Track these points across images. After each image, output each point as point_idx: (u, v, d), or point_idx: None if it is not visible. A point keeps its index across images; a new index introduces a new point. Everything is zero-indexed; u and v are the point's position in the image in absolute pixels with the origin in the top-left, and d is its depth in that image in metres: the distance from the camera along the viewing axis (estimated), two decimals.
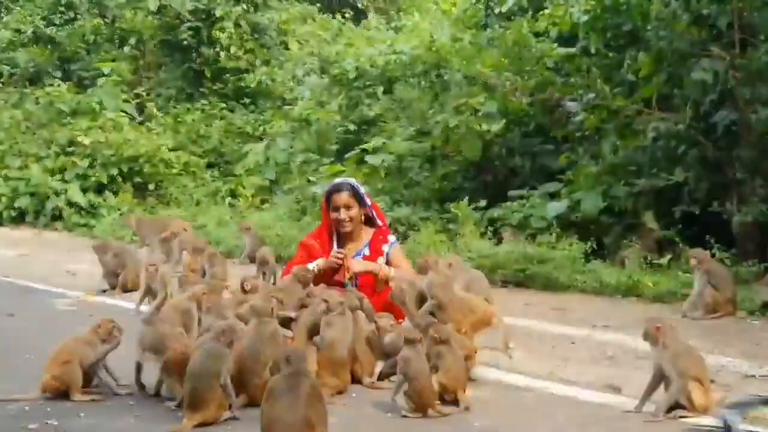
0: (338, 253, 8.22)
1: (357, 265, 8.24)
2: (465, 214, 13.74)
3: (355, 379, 7.27)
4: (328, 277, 8.24)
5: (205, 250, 12.41)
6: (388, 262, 8.45)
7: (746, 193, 11.74)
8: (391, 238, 8.71)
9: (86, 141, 20.24)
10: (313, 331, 7.19)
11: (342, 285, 8.13)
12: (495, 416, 6.59)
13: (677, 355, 6.49)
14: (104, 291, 12.34)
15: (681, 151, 12.43)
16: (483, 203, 14.16)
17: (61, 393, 6.84)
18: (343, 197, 8.40)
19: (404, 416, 6.45)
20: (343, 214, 8.38)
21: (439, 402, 6.56)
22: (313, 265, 8.17)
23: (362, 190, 8.58)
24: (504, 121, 15.18)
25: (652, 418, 6.41)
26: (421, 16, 27.75)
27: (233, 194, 19.82)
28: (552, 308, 10.61)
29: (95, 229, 18.82)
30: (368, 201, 8.59)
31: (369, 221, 8.61)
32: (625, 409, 6.67)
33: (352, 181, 8.72)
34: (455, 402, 6.66)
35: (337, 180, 9.10)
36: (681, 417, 6.39)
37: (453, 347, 6.81)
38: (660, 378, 6.59)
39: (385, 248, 8.54)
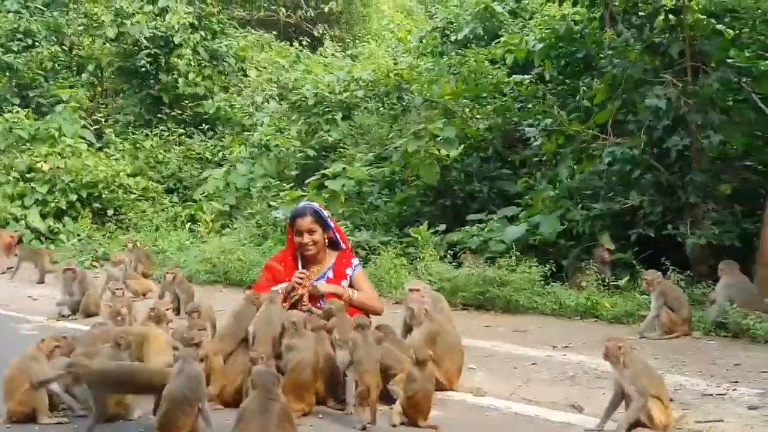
0: (300, 273, 8.28)
1: (322, 287, 8.29)
2: (424, 238, 13.87)
3: (320, 401, 7.33)
4: (289, 298, 8.30)
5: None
6: (351, 285, 8.51)
7: (699, 216, 11.99)
8: (355, 261, 8.77)
9: (45, 167, 20.20)
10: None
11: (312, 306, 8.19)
12: None
13: (637, 374, 6.63)
14: (66, 316, 12.36)
15: (636, 176, 12.67)
16: (442, 227, 14.29)
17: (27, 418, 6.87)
18: (307, 222, 8.45)
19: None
20: (306, 239, 8.43)
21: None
22: (279, 288, 8.24)
23: (325, 214, 8.64)
24: (462, 146, 15.35)
25: None
26: (376, 44, 28.01)
27: (193, 219, 19.82)
28: (513, 330, 10.76)
29: (55, 255, 18.72)
30: (331, 224, 8.65)
31: (333, 244, 8.67)
32: (587, 428, 6.78)
33: (315, 205, 8.77)
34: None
35: (301, 204, 9.16)
36: None
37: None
38: (621, 396, 6.72)
39: (349, 271, 8.59)
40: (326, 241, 8.55)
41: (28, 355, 7.13)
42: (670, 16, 12.52)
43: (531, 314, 11.62)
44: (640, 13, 13.19)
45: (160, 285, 12.76)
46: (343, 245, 8.70)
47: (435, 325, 8.04)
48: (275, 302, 7.72)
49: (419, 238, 13.93)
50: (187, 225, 19.54)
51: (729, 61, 12.59)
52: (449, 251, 13.54)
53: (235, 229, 17.65)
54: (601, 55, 13.82)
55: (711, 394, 7.70)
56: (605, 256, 12.21)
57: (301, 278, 8.17)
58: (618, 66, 12.67)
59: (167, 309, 8.89)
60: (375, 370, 6.81)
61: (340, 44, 30.41)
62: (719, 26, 13.01)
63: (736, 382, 8.06)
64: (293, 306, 8.14)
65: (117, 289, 11.16)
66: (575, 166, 13.74)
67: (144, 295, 13.46)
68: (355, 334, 7.02)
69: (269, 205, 17.74)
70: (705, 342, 9.78)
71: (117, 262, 13.91)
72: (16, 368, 7.02)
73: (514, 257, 12.42)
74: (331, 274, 8.49)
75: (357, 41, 31.14)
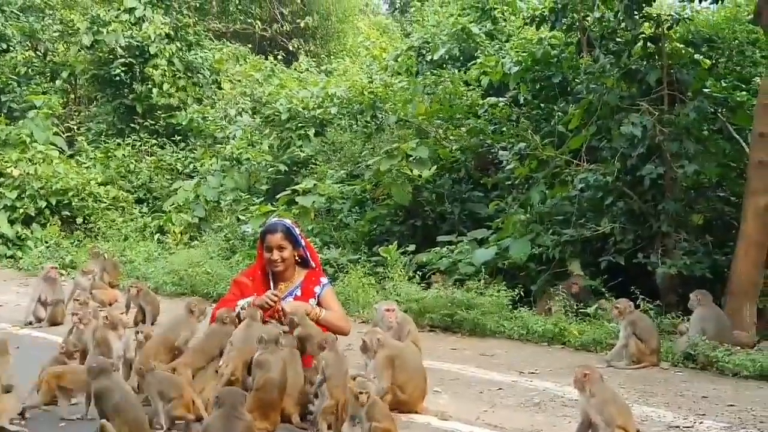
0: (273, 294, 8.21)
1: (289, 305, 8.22)
2: (393, 257, 13.81)
3: (285, 419, 7.26)
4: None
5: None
6: (319, 304, 8.44)
7: (670, 245, 12.01)
8: (324, 279, 8.69)
9: (15, 172, 19.99)
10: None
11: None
12: None
13: (604, 402, 6.58)
14: (30, 323, 12.22)
15: (608, 203, 12.69)
16: (412, 248, 14.25)
17: None
18: (277, 238, 8.38)
19: None
20: (275, 255, 8.36)
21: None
22: (243, 302, 8.17)
23: (297, 231, 8.55)
24: (435, 167, 15.32)
25: None
26: (351, 61, 28.00)
27: (162, 230, 19.70)
28: (479, 354, 10.70)
29: (21, 261, 18.61)
30: (302, 242, 8.56)
31: (302, 262, 8.60)
32: None
33: (287, 222, 8.68)
34: None
35: (273, 220, 9.12)
36: None
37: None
38: (587, 425, 6.67)
39: (317, 290, 8.52)
40: (296, 258, 8.49)
41: None
42: (649, 44, 12.54)
43: (498, 338, 11.55)
44: (618, 40, 13.23)
45: (126, 298, 12.64)
46: (313, 264, 8.63)
47: (392, 350, 7.98)
48: (256, 319, 7.68)
49: (388, 258, 13.86)
50: (156, 236, 19.41)
51: (705, 90, 12.65)
52: (418, 272, 13.48)
53: (204, 242, 17.56)
54: (577, 81, 13.84)
55: (678, 427, 7.69)
56: (574, 288, 12.16)
57: (274, 300, 8.08)
58: (594, 92, 12.69)
59: (122, 313, 8.96)
60: (344, 385, 6.77)
61: (314, 59, 30.38)
62: (697, 56, 13.07)
63: (704, 414, 8.05)
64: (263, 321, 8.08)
65: (81, 299, 11.09)
66: (547, 191, 13.72)
67: (110, 304, 13.32)
68: (326, 353, 6.97)
69: (238, 219, 17.66)
70: (673, 373, 9.74)
71: (87, 272, 13.77)
72: None
73: (482, 280, 12.38)
74: (299, 292, 8.42)
75: (332, 57, 31.13)
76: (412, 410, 7.90)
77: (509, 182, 14.76)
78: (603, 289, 11.77)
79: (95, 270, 14.16)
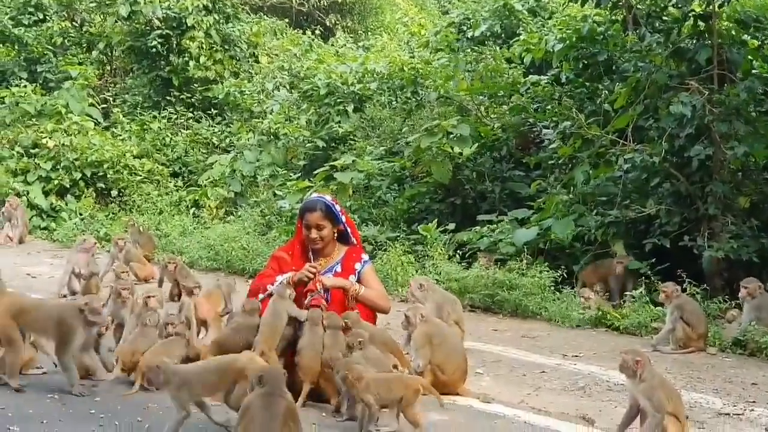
0: (312, 266, 8.06)
1: (328, 280, 8.08)
2: (433, 236, 13.62)
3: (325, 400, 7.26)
4: (298, 290, 8.09)
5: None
6: (359, 281, 8.29)
7: (717, 228, 11.74)
8: (364, 256, 8.54)
9: (50, 144, 19.89)
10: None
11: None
12: None
13: (654, 388, 6.41)
14: (64, 296, 12.12)
15: (654, 184, 12.44)
16: (451, 226, 14.03)
17: None
18: (315, 217, 8.21)
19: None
20: (314, 234, 8.21)
21: None
22: (282, 278, 8.03)
23: (337, 208, 8.39)
24: (476, 144, 15.08)
25: None
26: (389, 37, 27.80)
27: (197, 205, 19.57)
28: (521, 335, 10.54)
29: (56, 233, 18.54)
30: (342, 218, 8.41)
31: (343, 238, 8.46)
32: None
33: (327, 198, 8.51)
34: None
35: (313, 196, 8.95)
36: None
37: None
38: (636, 411, 6.53)
39: (358, 266, 8.37)
40: (336, 234, 8.34)
41: None
42: (699, 22, 12.24)
43: (540, 320, 11.38)
44: (665, 18, 12.94)
45: (160, 273, 12.53)
46: (353, 240, 8.49)
47: (431, 328, 7.95)
48: (284, 297, 7.63)
49: (428, 236, 13.67)
50: (191, 210, 19.27)
51: (753, 72, 12.39)
52: (458, 251, 13.28)
53: (239, 217, 17.43)
54: (623, 59, 13.54)
55: (727, 414, 7.55)
56: (619, 269, 11.93)
57: (313, 272, 7.94)
58: (642, 70, 12.39)
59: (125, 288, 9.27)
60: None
61: (351, 36, 30.16)
62: (745, 36, 12.79)
63: (754, 402, 7.90)
64: (302, 295, 7.94)
65: (122, 272, 11.07)
66: (591, 171, 13.44)
67: (146, 280, 13.23)
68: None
69: (275, 194, 17.48)
70: (721, 359, 9.54)
71: (119, 243, 13.69)
72: None
73: (524, 260, 12.17)
74: (339, 269, 8.29)
75: (369, 33, 30.90)
76: (453, 392, 7.83)
77: (552, 161, 14.51)
78: (649, 273, 11.51)
79: (127, 239, 14.10)
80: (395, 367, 7.50)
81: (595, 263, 12.50)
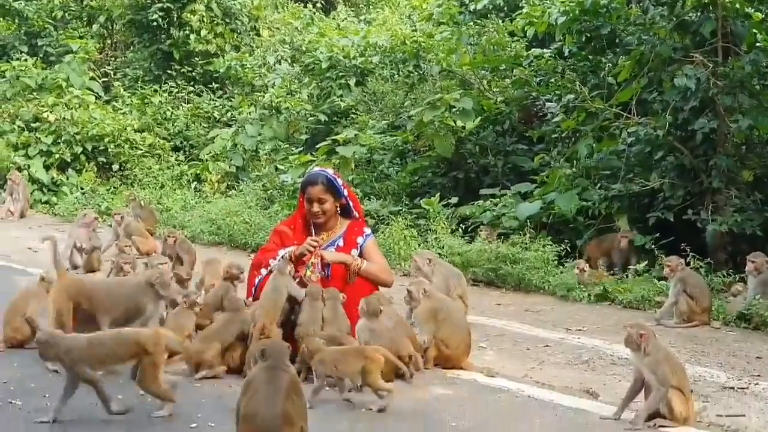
0: (313, 240, 8.03)
1: (330, 255, 8.05)
2: (435, 210, 13.59)
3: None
4: (299, 264, 8.06)
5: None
6: (361, 255, 8.26)
7: (721, 202, 11.70)
8: (367, 230, 8.51)
9: (51, 117, 19.85)
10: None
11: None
12: (471, 417, 6.51)
13: (658, 362, 6.40)
14: (66, 270, 12.07)
15: (658, 157, 12.37)
16: (454, 200, 14.01)
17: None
18: (317, 190, 8.17)
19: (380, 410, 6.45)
20: (316, 208, 8.17)
21: None
22: (284, 252, 8.01)
23: (339, 181, 8.35)
24: (479, 118, 15.03)
25: (631, 426, 6.34)
26: (390, 11, 27.65)
27: (198, 179, 19.54)
28: (524, 309, 10.52)
29: (57, 207, 18.52)
30: (344, 192, 8.37)
31: (345, 212, 8.42)
32: (603, 416, 6.58)
33: (329, 172, 8.46)
34: None
35: (315, 170, 8.89)
36: (661, 426, 6.31)
37: None
38: (640, 385, 6.51)
39: (360, 240, 8.34)
40: (338, 208, 8.30)
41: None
42: None
43: (543, 294, 11.33)
44: None
45: (162, 247, 12.51)
46: (356, 214, 8.46)
47: (435, 303, 7.94)
48: (284, 273, 7.61)
49: (430, 210, 13.64)
50: (193, 184, 19.24)
51: (758, 45, 12.31)
52: (460, 225, 13.24)
53: (241, 191, 17.38)
54: (626, 32, 13.46)
55: (732, 387, 7.51)
56: (623, 243, 11.89)
57: (314, 246, 7.91)
58: (646, 43, 12.32)
59: (127, 263, 9.43)
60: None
61: (353, 9, 30.01)
62: (750, 9, 12.70)
63: (758, 375, 7.87)
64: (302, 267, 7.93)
65: (125, 246, 11.08)
66: (594, 145, 13.40)
67: (148, 254, 13.19)
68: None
69: (277, 169, 17.44)
70: (725, 332, 9.50)
71: (118, 221, 13.66)
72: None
73: (527, 234, 12.13)
74: (341, 243, 8.27)
75: (371, 7, 30.72)
76: (456, 366, 7.86)
77: (555, 135, 14.45)
78: (653, 247, 11.47)
79: (126, 213, 14.08)
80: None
81: (599, 237, 12.47)
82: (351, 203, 8.43)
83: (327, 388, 6.66)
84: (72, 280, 7.94)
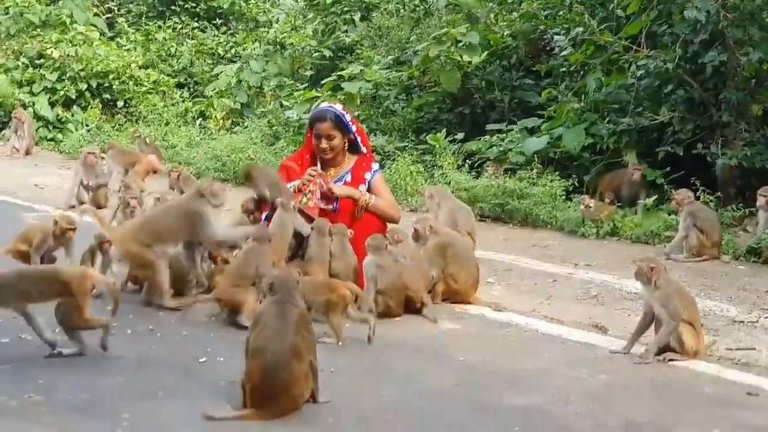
0: (312, 170, 7.98)
1: (338, 189, 8.00)
2: (442, 145, 13.51)
3: None
4: (298, 193, 7.99)
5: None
6: (369, 190, 8.21)
7: (730, 136, 11.61)
8: (374, 166, 8.45)
9: (55, 54, 19.76)
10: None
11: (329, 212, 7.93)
12: (479, 351, 6.48)
13: (669, 296, 6.36)
14: (72, 206, 12.07)
15: (667, 91, 12.27)
16: (460, 136, 13.92)
17: None
18: (326, 127, 8.10)
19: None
20: (324, 144, 8.10)
21: None
22: (290, 185, 7.96)
23: (347, 117, 8.27)
24: (485, 53, 14.88)
25: (641, 359, 6.31)
26: None
27: (203, 115, 19.47)
28: (532, 244, 10.48)
29: (62, 144, 18.47)
30: (353, 128, 8.30)
31: (353, 147, 8.35)
32: (613, 350, 6.55)
33: (338, 108, 8.37)
34: None
35: (323, 106, 8.76)
36: (671, 360, 6.29)
37: None
38: (650, 319, 6.48)
39: (368, 176, 8.28)
40: (346, 144, 8.23)
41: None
42: None
43: (550, 229, 11.28)
44: None
45: (169, 183, 12.46)
46: (363, 149, 8.38)
47: (443, 238, 7.96)
48: (288, 209, 7.58)
49: (436, 146, 13.56)
50: (197, 121, 19.18)
51: None
52: (467, 161, 13.16)
53: (246, 127, 17.33)
54: None
55: (741, 321, 7.50)
56: (636, 176, 11.79)
57: (312, 175, 7.86)
58: None
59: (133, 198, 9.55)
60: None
61: None
62: None
63: None
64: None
65: (132, 182, 11.06)
66: (603, 78, 13.27)
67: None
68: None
69: (282, 105, 17.34)
70: (735, 267, 9.47)
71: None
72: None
73: (535, 170, 12.05)
74: (348, 178, 8.21)
75: None
76: (465, 300, 7.86)
77: (563, 69, 14.32)
78: (662, 181, 11.40)
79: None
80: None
81: (612, 172, 12.37)
82: (359, 139, 8.36)
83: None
84: (125, 230, 7.80)
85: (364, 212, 8.03)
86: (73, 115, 19.52)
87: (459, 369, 6.08)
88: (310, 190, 7.89)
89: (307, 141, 8.39)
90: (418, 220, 8.09)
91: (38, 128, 19.03)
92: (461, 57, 14.58)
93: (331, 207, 7.94)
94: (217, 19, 23.23)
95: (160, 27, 22.62)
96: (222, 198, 7.47)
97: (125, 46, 21.85)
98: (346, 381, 5.70)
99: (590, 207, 10.92)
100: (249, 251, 7.17)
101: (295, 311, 5.16)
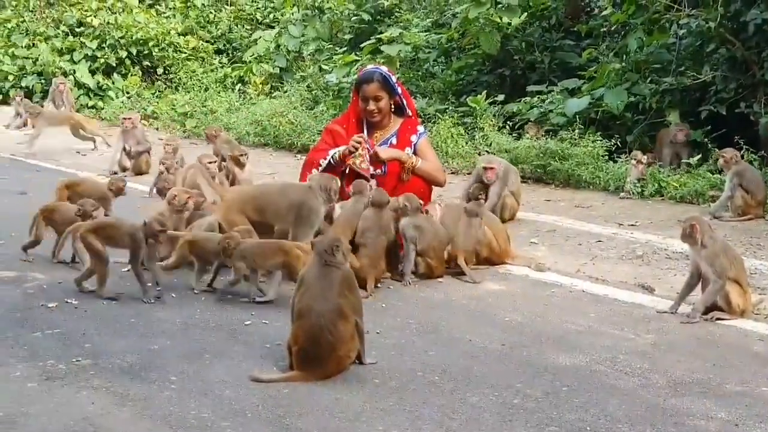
0: (358, 137, 7.97)
1: (384, 152, 8.00)
2: (482, 107, 13.46)
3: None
4: (347, 156, 7.99)
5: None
6: (415, 153, 8.21)
7: None
8: (420, 128, 8.46)
9: (95, 22, 19.89)
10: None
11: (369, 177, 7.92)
12: (525, 311, 6.50)
13: (716, 255, 6.34)
14: (114, 173, 12.14)
15: (709, 50, 12.12)
16: (500, 98, 13.83)
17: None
18: (373, 88, 8.11)
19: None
20: (371, 105, 8.11)
21: None
22: (335, 151, 7.97)
23: (393, 79, 8.29)
24: (525, 14, 14.78)
25: (689, 319, 6.29)
26: None
27: (242, 81, 19.52)
28: (575, 205, 10.45)
29: (103, 111, 18.59)
30: (399, 90, 8.32)
31: (398, 110, 8.35)
32: (659, 309, 6.55)
33: (384, 69, 8.39)
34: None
35: (369, 68, 8.75)
36: (718, 319, 6.28)
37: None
38: (697, 278, 6.47)
39: (413, 138, 8.29)
40: (392, 106, 8.23)
41: None
42: None
43: (593, 190, 11.24)
44: None
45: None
46: (409, 112, 8.39)
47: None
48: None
49: (477, 108, 13.51)
50: (237, 87, 19.23)
51: None
52: (507, 122, 13.11)
53: (286, 92, 17.33)
54: None
55: None
56: (680, 136, 11.69)
57: (358, 144, 7.85)
58: None
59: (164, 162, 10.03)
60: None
61: None
62: None
63: None
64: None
65: (170, 147, 11.17)
66: (644, 38, 13.14)
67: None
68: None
69: (321, 69, 17.33)
70: None
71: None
72: None
73: (576, 130, 11.99)
74: (394, 141, 8.24)
75: None
76: (504, 260, 7.88)
77: (603, 29, 14.22)
78: (706, 141, 11.32)
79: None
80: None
81: (657, 132, 12.28)
82: (405, 101, 8.36)
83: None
84: (236, 195, 7.75)
85: (410, 175, 8.04)
86: (113, 83, 19.68)
87: (505, 329, 6.10)
88: (360, 154, 7.89)
89: (353, 103, 8.41)
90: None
91: (79, 96, 19.17)
92: (500, 18, 14.47)
93: (379, 171, 7.97)
94: None
95: None
96: (335, 199, 7.44)
97: (164, 13, 21.95)
98: (392, 342, 5.74)
99: (642, 163, 10.81)
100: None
101: (338, 273, 5.17)
